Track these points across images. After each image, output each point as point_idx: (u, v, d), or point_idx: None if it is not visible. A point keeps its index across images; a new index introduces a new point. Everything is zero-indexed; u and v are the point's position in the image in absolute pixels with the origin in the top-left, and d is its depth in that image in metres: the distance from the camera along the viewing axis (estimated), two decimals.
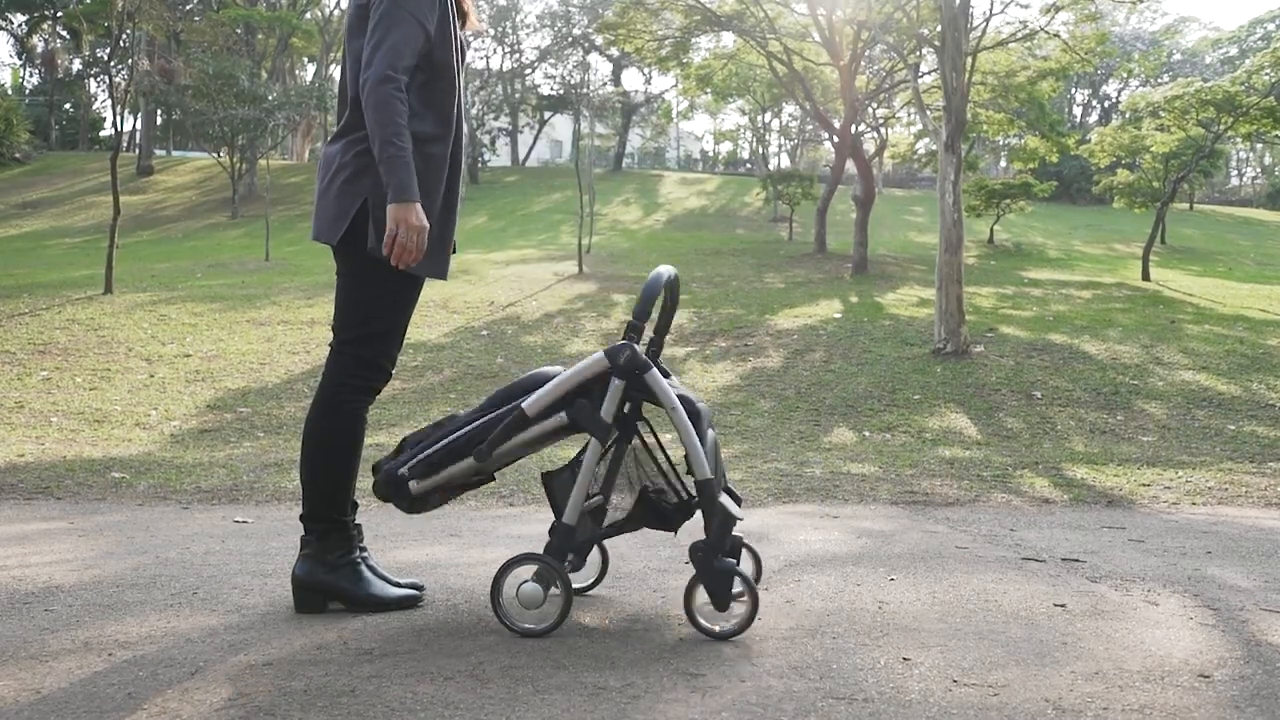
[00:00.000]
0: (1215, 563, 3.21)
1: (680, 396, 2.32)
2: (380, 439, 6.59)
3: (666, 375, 2.38)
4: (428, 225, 2.34)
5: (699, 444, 2.28)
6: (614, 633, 2.31)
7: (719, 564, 2.22)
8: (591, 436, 2.31)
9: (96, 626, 2.35)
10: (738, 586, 2.25)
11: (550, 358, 9.27)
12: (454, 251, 2.63)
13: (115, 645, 2.20)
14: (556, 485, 2.44)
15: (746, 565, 2.49)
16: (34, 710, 1.82)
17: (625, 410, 2.37)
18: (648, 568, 2.96)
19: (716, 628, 2.27)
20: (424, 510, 2.45)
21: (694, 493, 2.33)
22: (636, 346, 2.30)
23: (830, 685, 1.98)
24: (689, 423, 2.29)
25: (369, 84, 2.29)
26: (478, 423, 2.36)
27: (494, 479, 2.60)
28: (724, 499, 2.31)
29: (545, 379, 2.37)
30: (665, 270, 2.40)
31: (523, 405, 2.31)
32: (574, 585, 2.46)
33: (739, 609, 2.28)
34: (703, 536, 2.26)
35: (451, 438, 2.36)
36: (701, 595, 2.26)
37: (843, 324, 10.58)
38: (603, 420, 2.30)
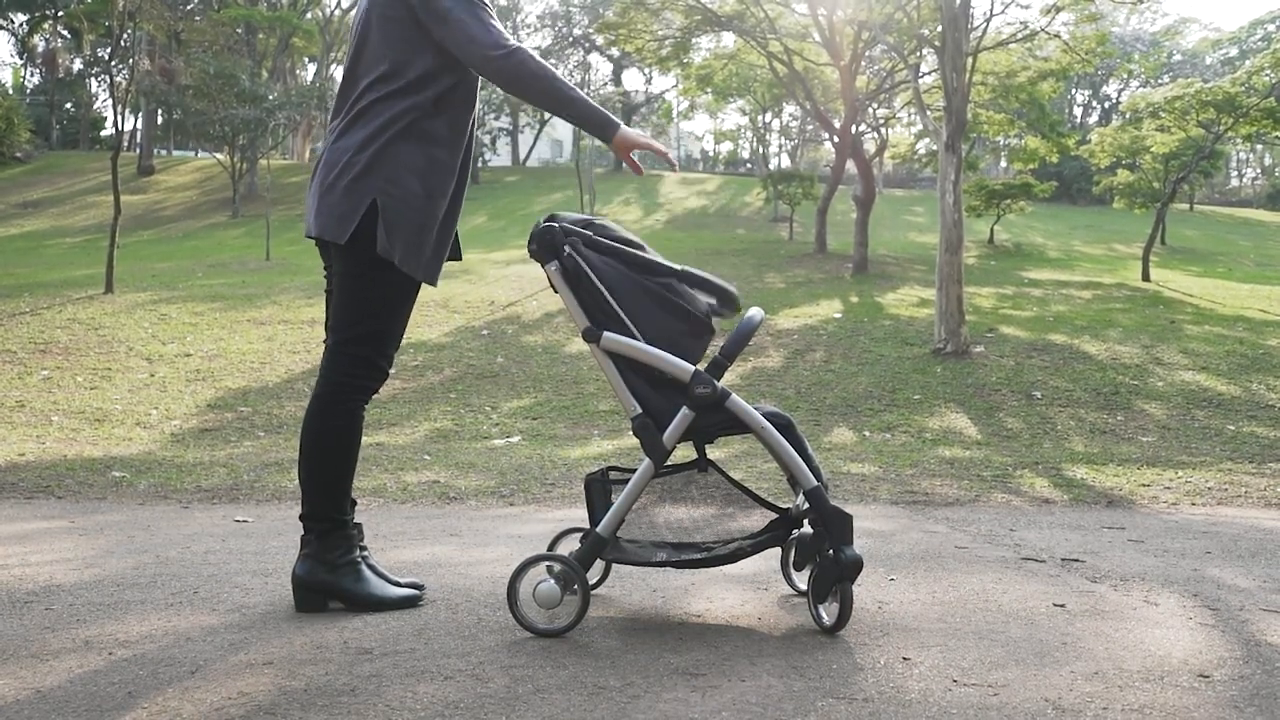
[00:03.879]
0: (1215, 563, 3.21)
1: (766, 414, 2.33)
2: (380, 438, 6.60)
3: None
4: (638, 133, 2.38)
5: (796, 456, 2.29)
6: (614, 633, 2.31)
7: (848, 555, 2.26)
8: (646, 456, 2.30)
9: (97, 625, 2.35)
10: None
11: (551, 357, 9.27)
12: (459, 258, 2.63)
13: (116, 644, 2.20)
14: (593, 490, 2.45)
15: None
16: (34, 709, 1.82)
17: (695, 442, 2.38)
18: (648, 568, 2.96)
19: (828, 621, 2.32)
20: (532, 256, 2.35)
21: (783, 508, 2.39)
22: (717, 384, 2.28)
23: (830, 685, 1.99)
24: (781, 438, 2.30)
25: (500, 63, 2.30)
26: (648, 282, 2.31)
27: None
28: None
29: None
30: (757, 314, 2.38)
31: (605, 332, 2.29)
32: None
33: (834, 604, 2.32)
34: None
35: (626, 266, 2.31)
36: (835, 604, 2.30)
37: (843, 324, 10.58)
38: (664, 445, 2.29)
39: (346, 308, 2.46)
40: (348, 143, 2.41)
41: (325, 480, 2.47)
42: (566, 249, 2.29)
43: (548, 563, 2.30)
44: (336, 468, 2.47)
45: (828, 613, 2.33)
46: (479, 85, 2.52)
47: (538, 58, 2.34)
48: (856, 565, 2.27)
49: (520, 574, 2.29)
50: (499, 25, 2.37)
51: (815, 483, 2.29)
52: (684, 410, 2.28)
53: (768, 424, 2.30)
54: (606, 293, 2.30)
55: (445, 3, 2.32)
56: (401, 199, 2.37)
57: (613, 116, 2.37)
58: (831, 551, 2.27)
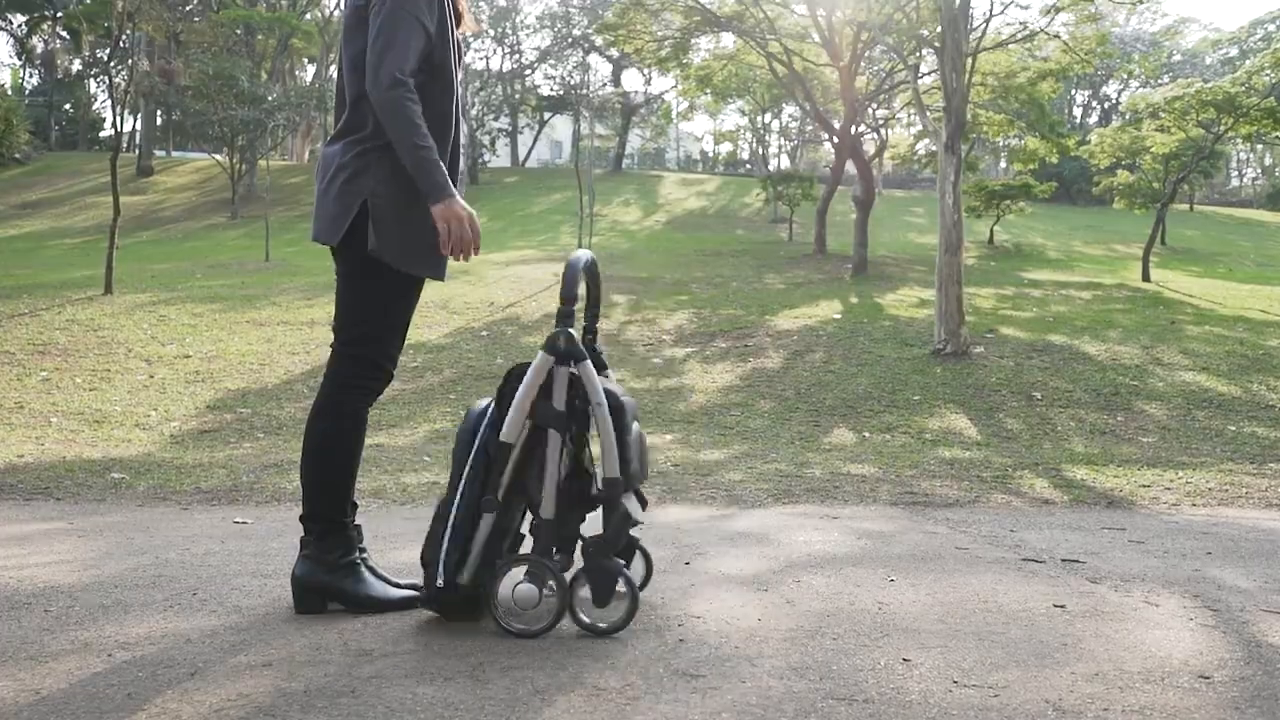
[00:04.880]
0: (1215, 564, 3.21)
1: (605, 391, 2.34)
2: (380, 439, 6.59)
3: (603, 368, 2.44)
4: (472, 212, 2.39)
5: (615, 443, 2.30)
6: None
7: (607, 563, 2.26)
8: (550, 428, 2.30)
9: (96, 627, 2.34)
10: (621, 587, 2.28)
11: None
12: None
13: (115, 646, 2.20)
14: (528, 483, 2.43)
15: (637, 567, 2.55)
16: (34, 711, 1.82)
17: (576, 402, 2.35)
18: None
19: (599, 624, 2.27)
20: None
21: (600, 488, 2.36)
22: (572, 331, 2.31)
23: (830, 686, 1.98)
24: (609, 420, 2.31)
25: (381, 90, 2.29)
26: (463, 487, 2.32)
27: (524, 535, 2.47)
28: (629, 500, 2.36)
29: (481, 411, 2.38)
30: (583, 254, 2.42)
31: (500, 437, 2.29)
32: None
33: (620, 608, 2.27)
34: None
35: (454, 518, 2.31)
36: (585, 590, 2.28)
37: (842, 325, 10.58)
38: (557, 410, 2.30)
39: (347, 309, 2.48)
40: (339, 146, 2.44)
41: (327, 482, 2.47)
42: None
43: (521, 564, 2.29)
44: (339, 469, 2.47)
45: (590, 612, 2.29)
46: (457, 74, 2.52)
47: (411, 104, 2.30)
48: (608, 577, 2.24)
49: (496, 580, 2.29)
50: (407, 55, 2.31)
51: (617, 474, 2.28)
52: (558, 369, 2.30)
53: (604, 400, 2.30)
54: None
55: (379, 16, 2.32)
56: (391, 198, 2.38)
57: (449, 187, 2.34)
58: (594, 547, 2.26)
